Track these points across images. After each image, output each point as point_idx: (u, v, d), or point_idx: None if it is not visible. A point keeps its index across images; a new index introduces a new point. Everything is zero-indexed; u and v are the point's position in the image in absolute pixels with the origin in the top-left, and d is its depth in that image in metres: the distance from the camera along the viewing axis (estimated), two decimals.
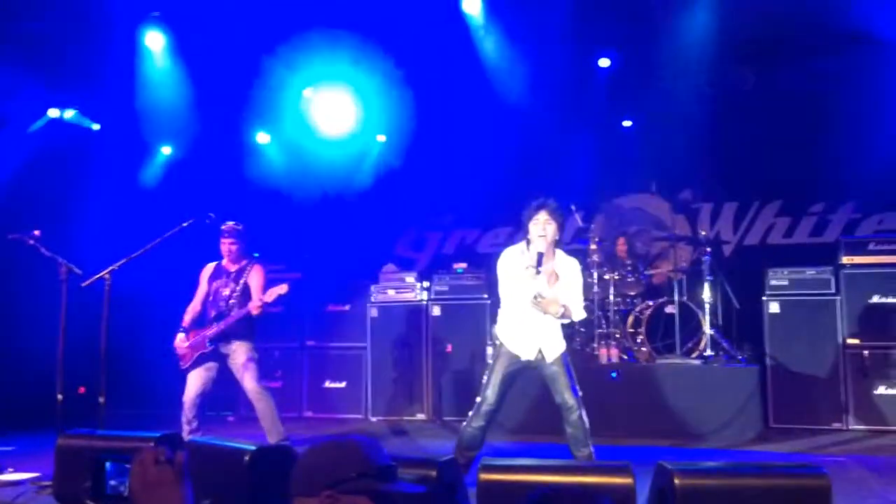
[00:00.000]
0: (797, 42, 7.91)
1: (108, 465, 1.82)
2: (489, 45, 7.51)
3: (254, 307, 5.38)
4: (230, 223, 5.64)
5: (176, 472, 1.77)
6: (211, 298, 5.64)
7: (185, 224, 5.14)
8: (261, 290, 5.52)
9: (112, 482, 1.83)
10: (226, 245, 5.63)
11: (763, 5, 7.01)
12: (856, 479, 5.08)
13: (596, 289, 7.19)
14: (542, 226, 4.57)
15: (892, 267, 6.79)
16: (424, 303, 7.80)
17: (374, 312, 7.87)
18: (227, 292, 5.56)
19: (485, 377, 4.70)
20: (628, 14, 7.43)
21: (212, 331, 5.50)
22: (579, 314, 4.69)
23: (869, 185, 7.96)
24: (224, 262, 5.71)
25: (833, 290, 6.92)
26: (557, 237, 4.67)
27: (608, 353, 6.96)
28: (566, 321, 4.68)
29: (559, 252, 4.73)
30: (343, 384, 7.87)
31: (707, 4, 7.01)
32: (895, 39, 7.42)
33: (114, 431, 4.11)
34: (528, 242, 4.62)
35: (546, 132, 8.32)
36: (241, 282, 5.56)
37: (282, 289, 5.30)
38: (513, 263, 4.61)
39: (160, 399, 6.67)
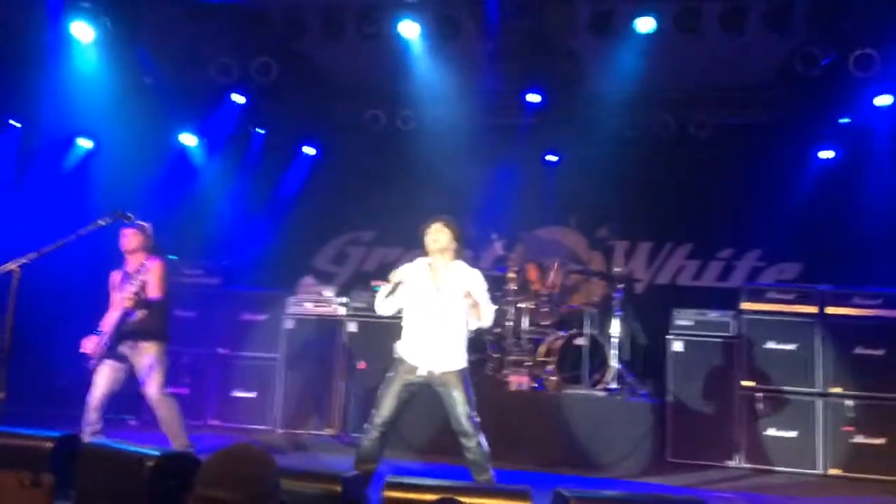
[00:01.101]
0: (715, 94, 8.37)
1: None
2: (423, 69, 7.63)
3: (128, 299, 5.15)
4: (133, 219, 5.37)
5: (45, 494, 1.74)
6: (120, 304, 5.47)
7: (101, 222, 5.02)
8: (155, 285, 5.35)
9: None
10: (125, 236, 5.45)
11: (684, 59, 7.38)
12: None
13: (510, 316, 7.35)
14: (434, 234, 4.73)
15: (788, 315, 7.17)
16: (341, 318, 7.80)
17: (289, 324, 7.82)
18: (126, 288, 5.36)
19: (381, 389, 4.77)
20: (560, 53, 7.71)
21: (109, 328, 5.33)
22: (489, 311, 4.82)
23: (774, 236, 8.43)
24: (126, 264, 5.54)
25: (733, 334, 7.26)
26: (453, 247, 4.80)
27: (518, 380, 7.11)
28: (479, 322, 4.79)
29: (458, 263, 4.87)
30: (253, 394, 7.76)
31: (636, 53, 7.32)
32: (808, 97, 7.91)
33: (10, 428, 3.98)
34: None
35: (474, 160, 8.49)
36: (141, 279, 5.31)
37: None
38: (410, 274, 4.75)
39: (65, 398, 6.44)
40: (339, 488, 3.06)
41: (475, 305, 4.70)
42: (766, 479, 6.70)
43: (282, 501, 1.99)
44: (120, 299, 5.32)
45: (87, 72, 7.48)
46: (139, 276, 5.33)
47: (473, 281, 4.82)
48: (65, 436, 3.66)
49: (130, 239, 5.50)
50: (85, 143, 8.70)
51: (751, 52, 7.29)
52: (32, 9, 6.87)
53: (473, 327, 4.83)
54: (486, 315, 4.80)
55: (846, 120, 8.05)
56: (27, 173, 8.04)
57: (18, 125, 8.23)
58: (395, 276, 4.77)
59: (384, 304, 4.85)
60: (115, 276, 5.58)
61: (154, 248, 5.61)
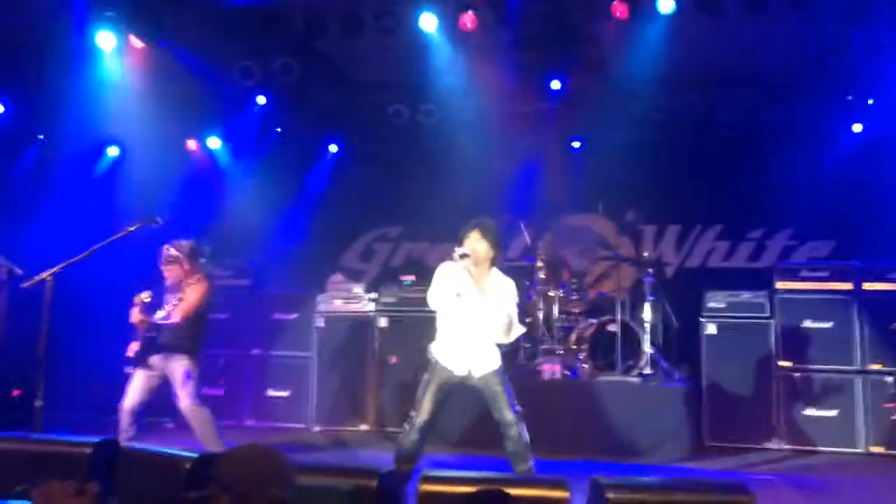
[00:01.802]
0: (740, 75, 8.24)
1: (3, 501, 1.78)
2: (443, 61, 7.60)
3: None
4: (165, 248, 5.47)
5: (91, 502, 1.76)
6: None
7: (130, 229, 5.08)
8: (191, 305, 5.40)
9: None
10: (164, 271, 5.51)
11: (711, 39, 7.27)
12: (782, 497, 5.28)
13: (541, 305, 7.32)
14: (472, 244, 4.67)
15: (823, 293, 7.07)
16: (371, 314, 7.83)
17: (320, 322, 7.87)
18: (165, 306, 5.43)
19: (419, 392, 4.77)
20: (582, 38, 7.65)
21: (136, 341, 5.41)
22: (517, 329, 4.78)
23: (804, 214, 8.30)
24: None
25: (767, 314, 7.16)
26: (492, 255, 4.75)
27: (552, 369, 7.09)
28: (506, 339, 4.76)
29: (495, 271, 4.82)
30: (287, 393, 7.82)
31: (658, 35, 7.24)
32: (833, 78, 7.78)
33: (49, 435, 4.04)
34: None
35: (498, 150, 8.46)
36: (180, 296, 5.40)
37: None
38: (447, 278, 4.68)
39: (100, 404, 6.54)
40: (374, 483, 3.06)
41: (508, 328, 4.67)
42: (807, 459, 6.62)
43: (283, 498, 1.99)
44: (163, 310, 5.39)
45: (111, 80, 7.58)
46: (181, 293, 5.42)
47: (508, 294, 4.78)
48: (103, 441, 3.70)
49: (170, 274, 5.53)
50: (112, 151, 8.81)
51: (776, 33, 7.17)
52: (56, 20, 6.95)
53: (496, 342, 4.78)
54: (513, 334, 4.78)
55: (871, 101, 7.90)
56: (56, 183, 8.15)
57: (42, 138, 8.35)
58: (461, 251, 4.66)
59: (438, 295, 4.71)
60: (168, 281, 5.59)
61: (195, 263, 5.60)
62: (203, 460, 3.26)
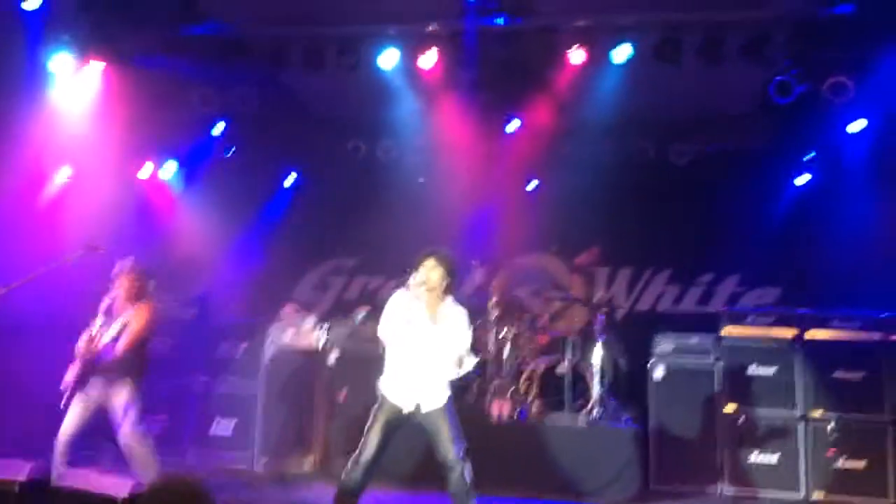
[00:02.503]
0: (693, 121, 8.47)
1: None
2: (402, 99, 7.68)
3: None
4: (116, 269, 5.39)
5: None
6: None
7: (72, 256, 4.97)
8: (135, 333, 5.31)
9: None
10: (113, 292, 5.42)
11: (663, 88, 7.47)
12: None
13: (491, 345, 7.32)
14: (426, 273, 4.67)
15: (768, 340, 7.18)
16: (322, 348, 7.74)
17: (270, 354, 7.75)
18: (103, 332, 5.31)
19: (366, 427, 4.72)
20: (539, 81, 7.79)
21: (77, 369, 5.28)
22: (469, 361, 4.78)
23: (752, 260, 8.50)
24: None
25: (714, 358, 7.26)
26: (445, 283, 4.76)
27: (500, 408, 7.07)
28: (458, 371, 4.75)
29: (448, 299, 4.83)
30: (232, 424, 7.64)
31: (614, 81, 7.41)
32: (784, 124, 8.03)
33: None
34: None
35: (454, 187, 8.52)
36: (123, 322, 5.32)
37: None
38: (398, 307, 4.66)
39: (34, 434, 6.33)
40: None
41: (460, 361, 4.67)
42: None
43: None
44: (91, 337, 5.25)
45: (63, 100, 7.47)
46: (123, 316, 5.29)
47: (460, 322, 4.77)
48: (32, 478, 3.58)
49: (117, 294, 5.42)
50: (62, 175, 8.63)
51: (729, 81, 7.40)
52: (9, 41, 6.86)
53: (449, 376, 4.77)
54: (465, 366, 4.77)
55: (811, 155, 8.17)
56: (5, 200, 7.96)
57: None
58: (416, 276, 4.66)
59: (388, 325, 4.71)
60: (103, 306, 5.47)
61: (143, 287, 5.52)
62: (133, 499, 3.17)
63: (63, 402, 5.29)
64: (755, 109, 7.96)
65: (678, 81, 7.37)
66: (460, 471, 4.56)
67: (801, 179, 8.57)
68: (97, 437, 5.71)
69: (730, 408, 7.07)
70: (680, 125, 8.52)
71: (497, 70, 7.57)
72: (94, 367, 5.28)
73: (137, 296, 5.47)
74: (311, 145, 9.13)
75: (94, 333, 5.28)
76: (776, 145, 8.40)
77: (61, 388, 5.29)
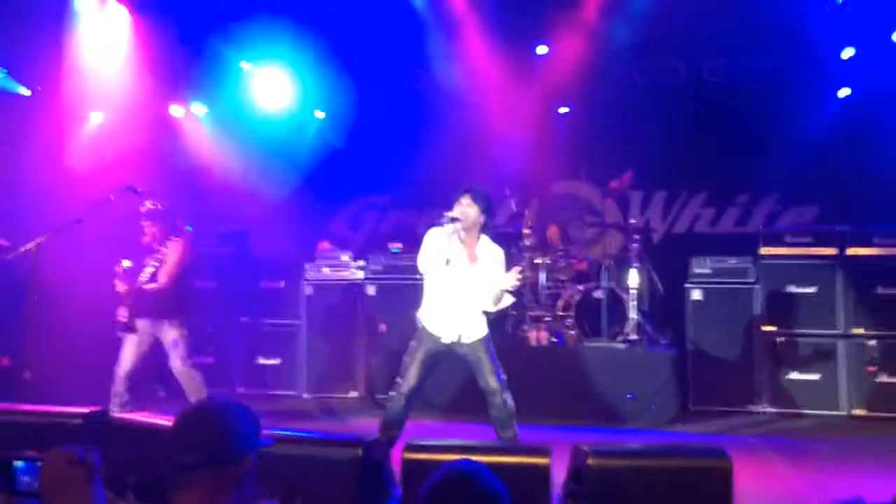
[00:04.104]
0: (727, 37, 8.20)
1: (17, 464, 1.86)
2: (429, 25, 7.55)
3: (119, 284, 5.30)
4: (147, 203, 5.48)
5: (87, 472, 1.83)
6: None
7: (112, 197, 5.06)
8: (173, 266, 5.43)
9: (24, 478, 1.87)
10: (144, 228, 5.51)
11: (694, 4, 7.23)
12: (762, 459, 5.39)
13: (528, 273, 7.34)
14: (462, 209, 4.67)
15: (808, 258, 7.13)
16: (360, 281, 7.85)
17: (308, 290, 7.89)
18: (145, 268, 5.43)
19: (406, 358, 4.80)
20: (562, 3, 7.59)
21: (124, 307, 5.42)
22: (506, 299, 4.81)
23: (790, 179, 8.31)
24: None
25: (752, 279, 7.22)
26: (482, 221, 4.75)
27: (538, 336, 7.15)
28: (496, 308, 4.79)
29: (484, 238, 4.83)
30: (277, 361, 7.87)
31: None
32: (822, 38, 7.75)
33: (39, 406, 4.08)
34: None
35: (484, 117, 8.42)
36: (159, 257, 5.43)
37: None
38: (437, 242, 4.67)
39: (91, 371, 6.57)
40: (358, 452, 3.11)
41: (498, 297, 4.68)
42: (790, 422, 6.73)
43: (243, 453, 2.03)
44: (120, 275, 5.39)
45: (92, 44, 7.47)
46: (157, 254, 5.40)
47: (497, 262, 4.78)
48: (93, 412, 3.74)
49: (150, 231, 5.52)
50: (95, 117, 8.70)
51: None
52: None
53: (485, 310, 4.80)
54: (504, 303, 4.80)
55: (851, 53, 7.83)
56: (39, 148, 8.06)
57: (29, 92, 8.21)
58: (452, 215, 4.64)
59: (429, 258, 4.69)
60: (144, 241, 5.61)
61: (174, 224, 5.63)
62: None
63: (120, 335, 5.45)
64: (791, 22, 7.67)
65: None
66: (502, 398, 4.65)
67: (842, 92, 8.29)
68: (155, 374, 5.90)
69: (769, 328, 7.06)
70: (713, 42, 8.25)
71: None
72: (139, 305, 5.41)
73: (170, 232, 5.57)
74: (339, 79, 9.03)
75: (122, 271, 5.39)
76: (813, 59, 8.11)
77: (117, 320, 5.45)
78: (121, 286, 5.32)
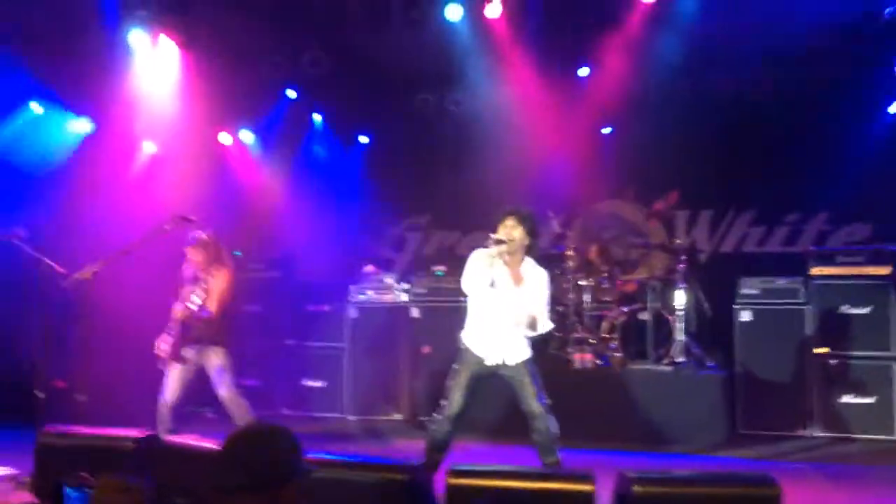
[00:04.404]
0: (775, 53, 8.09)
1: (68, 491, 1.91)
2: (469, 49, 7.63)
3: (180, 312, 5.38)
4: (195, 233, 5.56)
5: (137, 499, 1.87)
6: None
7: (167, 227, 5.19)
8: (221, 294, 5.50)
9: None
10: (189, 255, 5.59)
11: (744, 14, 7.17)
12: (812, 485, 5.26)
13: (571, 294, 7.32)
14: (507, 231, 4.67)
15: (859, 279, 6.97)
16: (404, 304, 7.90)
17: (353, 313, 7.96)
18: (189, 297, 5.50)
19: (450, 381, 4.81)
20: (609, 21, 7.59)
21: (171, 335, 5.53)
22: (545, 325, 4.78)
23: (841, 197, 8.16)
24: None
25: (803, 300, 7.09)
26: (527, 243, 4.75)
27: (582, 358, 7.09)
28: (533, 333, 4.77)
29: (528, 260, 4.82)
30: (321, 383, 7.94)
31: (688, 13, 7.16)
32: (872, 54, 7.61)
33: (93, 429, 4.18)
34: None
35: (527, 138, 8.44)
36: (204, 287, 5.49)
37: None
38: (482, 264, 4.66)
39: (139, 395, 6.71)
40: (403, 477, 3.12)
41: (533, 322, 4.67)
42: (841, 447, 6.55)
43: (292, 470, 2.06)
44: (184, 304, 5.49)
45: (145, 77, 7.72)
46: (204, 283, 5.50)
47: (540, 285, 4.76)
48: (144, 435, 3.83)
49: (194, 258, 5.59)
50: (149, 147, 8.96)
51: (810, 8, 7.03)
52: (88, 19, 7.09)
53: (525, 334, 4.79)
54: (541, 328, 4.77)
55: None
56: (97, 178, 8.32)
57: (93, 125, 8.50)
58: (497, 237, 4.63)
59: (473, 280, 4.69)
60: (188, 270, 5.71)
61: (220, 253, 5.71)
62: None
63: (162, 366, 5.56)
64: (840, 37, 7.55)
65: (756, 11, 7.06)
66: (545, 422, 4.62)
67: (893, 108, 8.12)
68: (203, 396, 6.00)
69: (821, 350, 6.91)
70: (762, 57, 8.15)
71: (565, 13, 7.41)
72: (185, 334, 5.52)
73: (216, 261, 5.65)
74: (380, 102, 9.17)
75: (182, 301, 5.51)
76: (863, 75, 7.96)
77: (156, 353, 5.57)
78: (182, 312, 5.41)
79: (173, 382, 5.55)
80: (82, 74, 7.53)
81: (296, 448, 2.12)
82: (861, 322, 6.90)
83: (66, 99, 7.84)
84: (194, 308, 5.41)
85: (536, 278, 4.76)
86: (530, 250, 4.81)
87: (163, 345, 5.58)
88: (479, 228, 9.25)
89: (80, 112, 8.13)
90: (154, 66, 7.70)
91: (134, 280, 6.44)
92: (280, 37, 7.81)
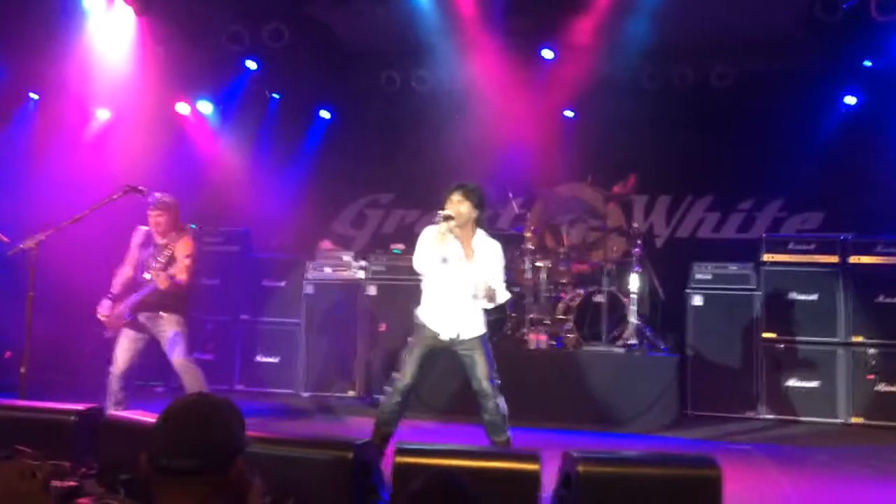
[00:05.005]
0: (735, 42, 8.18)
1: None
2: (435, 28, 7.56)
3: (161, 281, 5.18)
4: (157, 195, 5.44)
5: (41, 484, 1.78)
6: (139, 268, 5.49)
7: (115, 197, 5.08)
8: (188, 261, 5.36)
9: None
10: (152, 217, 5.44)
11: (702, 10, 7.21)
12: (756, 466, 5.38)
13: (528, 275, 7.35)
14: (454, 206, 4.67)
15: (809, 266, 7.12)
16: (361, 281, 7.87)
17: (309, 289, 7.91)
18: (151, 263, 5.37)
19: (404, 355, 4.81)
20: (575, 6, 7.58)
21: (130, 301, 5.40)
22: (503, 295, 4.79)
23: (795, 185, 8.30)
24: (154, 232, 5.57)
25: (754, 286, 7.22)
26: (475, 216, 4.75)
27: (537, 339, 7.15)
28: (491, 304, 4.78)
29: (480, 232, 4.82)
30: (276, 359, 7.89)
31: (652, 3, 7.18)
32: (830, 45, 7.72)
33: (34, 402, 4.10)
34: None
35: (489, 118, 8.41)
36: (167, 254, 5.38)
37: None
38: (432, 241, 4.65)
39: (87, 367, 6.62)
40: (350, 455, 3.12)
41: (491, 293, 4.67)
42: (787, 429, 6.72)
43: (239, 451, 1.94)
44: (147, 271, 5.34)
45: (99, 43, 7.52)
46: (167, 250, 5.38)
47: (494, 256, 4.78)
48: (87, 409, 3.76)
49: (158, 221, 5.44)
50: (102, 114, 8.75)
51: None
52: None
53: (482, 307, 4.80)
54: (499, 298, 4.77)
55: (868, 63, 7.83)
56: (47, 145, 8.12)
57: (36, 97, 8.29)
58: (445, 213, 4.62)
59: (425, 258, 4.69)
60: (138, 236, 5.56)
61: (178, 220, 5.58)
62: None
63: (108, 335, 5.44)
64: (799, 28, 7.65)
65: (718, 1, 7.11)
66: (495, 402, 4.64)
67: (848, 100, 8.27)
68: (153, 370, 5.90)
69: (769, 334, 7.05)
70: (721, 47, 8.23)
71: None
72: (143, 299, 5.39)
73: (176, 227, 5.52)
74: (343, 78, 9.06)
75: (131, 265, 5.37)
76: (821, 65, 8.09)
77: (98, 317, 5.44)
78: (163, 280, 5.18)
79: (123, 353, 5.41)
80: (34, 36, 7.31)
81: (242, 422, 2.02)
82: (809, 308, 7.06)
83: (15, 62, 7.60)
84: (156, 272, 5.22)
85: (489, 250, 4.77)
86: (480, 223, 4.82)
87: (103, 309, 5.43)
88: (439, 207, 9.27)
89: (30, 75, 7.90)
90: (109, 30, 7.49)
91: (80, 249, 6.30)
92: (241, 7, 7.66)
